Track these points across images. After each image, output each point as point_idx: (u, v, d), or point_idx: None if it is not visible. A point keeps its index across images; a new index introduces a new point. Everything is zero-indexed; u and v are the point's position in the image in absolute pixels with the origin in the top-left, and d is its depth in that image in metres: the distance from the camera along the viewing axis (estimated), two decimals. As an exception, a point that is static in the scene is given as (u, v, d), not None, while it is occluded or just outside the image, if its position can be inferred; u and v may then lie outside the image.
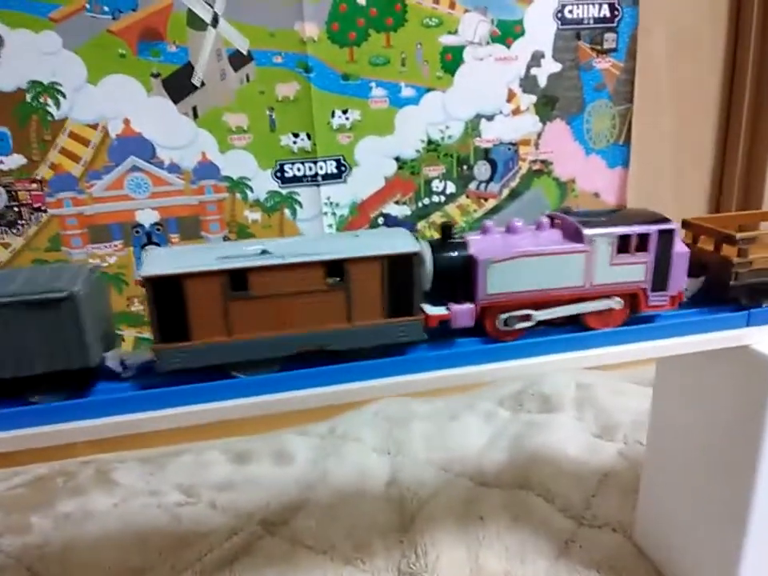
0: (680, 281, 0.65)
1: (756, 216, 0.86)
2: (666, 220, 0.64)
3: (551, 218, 0.66)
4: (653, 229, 0.62)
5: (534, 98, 1.25)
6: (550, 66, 1.24)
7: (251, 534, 0.88)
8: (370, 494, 0.97)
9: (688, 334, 0.66)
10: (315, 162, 1.17)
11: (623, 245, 0.62)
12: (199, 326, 0.55)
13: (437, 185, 1.25)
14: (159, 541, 0.88)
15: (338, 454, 1.07)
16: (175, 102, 1.08)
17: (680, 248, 0.64)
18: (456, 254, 0.61)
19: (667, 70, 1.30)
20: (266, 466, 1.06)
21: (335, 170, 1.19)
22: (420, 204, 1.26)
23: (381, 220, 1.24)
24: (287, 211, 1.19)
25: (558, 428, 1.12)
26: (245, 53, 1.09)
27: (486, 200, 1.30)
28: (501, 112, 1.24)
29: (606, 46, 1.26)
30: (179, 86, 1.08)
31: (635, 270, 0.63)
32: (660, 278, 0.64)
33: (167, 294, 0.54)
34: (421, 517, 0.91)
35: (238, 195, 1.15)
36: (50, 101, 1.04)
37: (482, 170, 1.27)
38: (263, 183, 1.16)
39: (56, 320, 0.53)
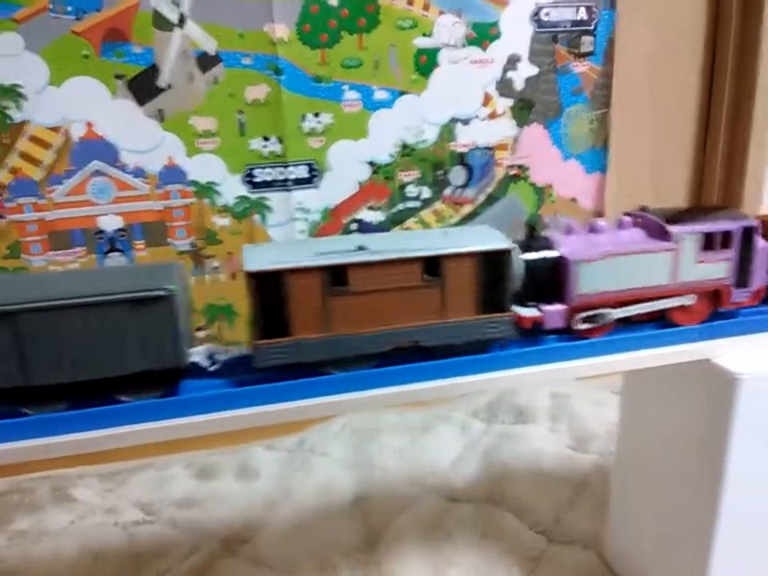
0: (762, 276, 0.66)
1: None
2: (746, 217, 0.65)
3: (631, 216, 0.66)
4: (736, 226, 0.63)
5: (510, 102, 1.23)
6: (526, 70, 1.22)
7: (210, 554, 0.85)
8: (335, 511, 0.94)
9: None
10: (286, 167, 1.14)
11: (708, 242, 0.63)
12: (299, 322, 0.55)
13: (411, 190, 1.23)
14: (115, 560, 0.85)
15: (304, 468, 1.05)
16: (140, 104, 1.05)
17: (761, 244, 0.65)
18: (546, 254, 0.61)
19: (645, 74, 1.28)
20: (229, 482, 1.03)
21: (307, 175, 1.16)
22: (395, 209, 1.23)
23: (354, 226, 1.22)
24: (257, 217, 1.16)
25: (532, 440, 1.10)
26: (213, 54, 1.06)
27: (461, 205, 1.27)
28: (477, 116, 1.22)
29: (583, 49, 1.24)
30: (144, 88, 1.05)
31: (719, 267, 0.64)
32: (742, 275, 0.65)
33: (270, 290, 0.54)
34: (387, 535, 0.89)
35: (206, 200, 1.12)
36: (10, 103, 1.01)
37: (457, 174, 1.25)
38: (232, 188, 1.13)
39: (154, 318, 0.52)
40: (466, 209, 1.28)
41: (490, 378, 0.60)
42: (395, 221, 1.24)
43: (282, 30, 1.07)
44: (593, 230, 0.65)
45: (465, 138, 1.23)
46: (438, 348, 0.59)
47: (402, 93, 1.16)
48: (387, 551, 0.85)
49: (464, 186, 1.26)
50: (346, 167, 1.18)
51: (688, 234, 0.62)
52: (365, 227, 1.22)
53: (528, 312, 0.61)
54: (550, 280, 0.61)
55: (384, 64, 1.14)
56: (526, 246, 0.61)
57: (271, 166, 1.13)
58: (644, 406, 0.76)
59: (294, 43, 1.08)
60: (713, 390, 0.63)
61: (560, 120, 1.27)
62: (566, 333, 0.63)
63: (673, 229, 0.62)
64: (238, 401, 0.55)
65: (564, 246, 0.62)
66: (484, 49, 1.18)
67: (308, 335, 0.56)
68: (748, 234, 0.64)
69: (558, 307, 0.61)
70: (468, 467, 1.04)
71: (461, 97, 1.20)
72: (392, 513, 0.93)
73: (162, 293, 0.52)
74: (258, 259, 0.55)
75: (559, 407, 1.19)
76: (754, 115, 1.28)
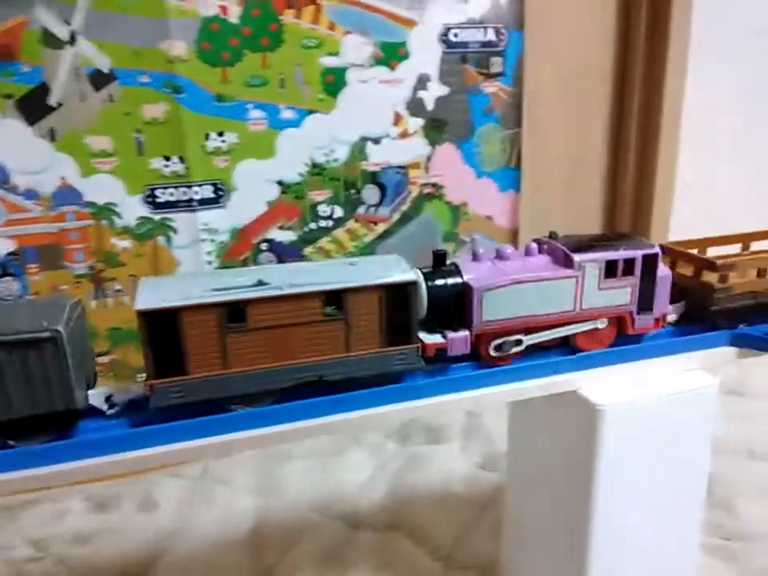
0: (664, 303, 0.67)
1: (733, 238, 0.84)
2: (649, 245, 0.66)
3: (538, 243, 0.68)
4: (638, 253, 0.65)
5: (421, 122, 1.23)
6: (436, 90, 1.22)
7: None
8: (232, 542, 0.92)
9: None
10: (190, 187, 1.11)
11: (611, 269, 0.64)
12: (195, 360, 0.54)
13: (323, 209, 1.22)
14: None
15: (206, 498, 1.02)
16: (30, 123, 1.01)
17: (663, 271, 0.67)
18: (450, 281, 0.62)
19: (555, 95, 1.30)
20: (128, 514, 0.99)
21: (212, 195, 1.13)
22: (306, 229, 1.22)
23: (264, 246, 1.20)
24: (161, 238, 1.13)
25: (442, 460, 1.09)
26: (107, 72, 1.03)
27: (375, 224, 1.26)
28: (388, 135, 1.21)
29: (492, 69, 1.25)
30: (34, 107, 1.01)
31: (622, 294, 0.65)
32: (645, 301, 0.66)
33: (163, 328, 0.53)
34: (279, 569, 0.86)
35: (104, 222, 1.08)
36: None
37: (370, 193, 1.24)
38: (132, 209, 1.10)
39: (40, 361, 0.50)
40: (381, 227, 1.27)
41: (396, 410, 0.60)
42: (307, 240, 1.22)
43: (179, 48, 1.04)
44: (500, 256, 0.65)
45: (377, 157, 1.22)
46: (343, 382, 0.59)
47: (310, 111, 1.15)
48: (275, 587, 0.83)
49: (377, 205, 1.25)
50: (254, 187, 1.15)
51: (590, 261, 0.63)
52: (275, 248, 1.20)
53: (432, 339, 0.61)
54: (455, 307, 0.62)
55: (290, 83, 1.13)
56: (434, 274, 0.62)
57: (174, 186, 1.10)
58: (527, 431, 0.76)
59: (192, 61, 1.06)
60: (580, 419, 0.63)
61: (472, 139, 1.28)
62: (475, 360, 0.64)
63: (576, 257, 0.63)
64: (134, 441, 0.54)
65: (469, 273, 0.62)
66: (392, 68, 1.18)
67: (205, 373, 0.55)
68: (650, 261, 0.65)
69: (461, 334, 0.61)
70: (375, 492, 1.03)
71: (370, 116, 1.19)
72: (288, 544, 0.91)
73: (46, 334, 0.50)
74: (151, 295, 0.53)
75: (472, 425, 1.19)
76: (661, 140, 1.31)
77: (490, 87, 1.26)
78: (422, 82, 1.21)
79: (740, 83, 1.45)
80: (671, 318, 0.73)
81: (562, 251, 0.65)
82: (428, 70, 1.20)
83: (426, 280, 0.62)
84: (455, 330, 0.62)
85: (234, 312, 0.54)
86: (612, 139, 1.37)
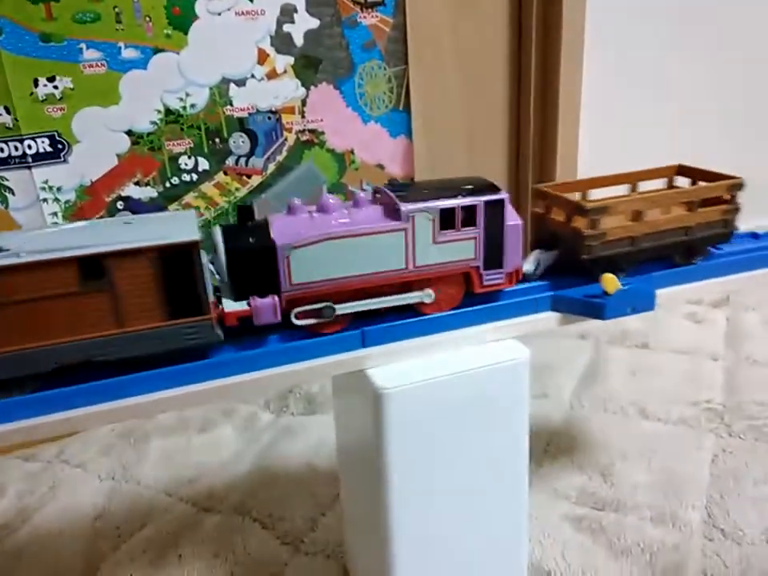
0: (516, 256, 0.59)
1: (619, 178, 0.75)
2: (495, 189, 0.57)
3: (375, 192, 0.59)
4: (480, 200, 0.55)
5: (290, 59, 1.10)
6: (305, 22, 1.09)
7: None
8: (72, 531, 0.83)
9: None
10: (21, 141, 0.99)
11: (447, 220, 0.55)
12: None
13: (185, 161, 1.10)
14: None
15: (55, 482, 0.93)
16: None
17: (513, 220, 0.57)
18: (252, 239, 0.53)
19: (446, 27, 1.18)
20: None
21: (49, 149, 1.01)
22: (168, 184, 1.10)
23: (120, 204, 1.08)
24: (-5, 199, 1.01)
25: (314, 433, 1.01)
26: None
27: (249, 177, 1.15)
28: (253, 75, 1.09)
29: (369, -2, 1.12)
30: None
31: (463, 248, 0.56)
32: (493, 255, 0.58)
33: None
34: (111, 559, 0.78)
35: None
36: None
37: (238, 142, 1.12)
38: (-42, 167, 0.98)
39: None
40: (255, 180, 1.15)
41: (186, 393, 0.52)
42: (170, 197, 1.10)
43: (-13, -21, 0.91)
44: (321, 208, 0.56)
45: (242, 101, 1.10)
46: (123, 362, 0.51)
47: (156, 50, 1.02)
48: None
49: (249, 155, 1.14)
50: (99, 138, 1.03)
51: (420, 210, 0.54)
52: (133, 206, 1.09)
53: (235, 306, 0.53)
54: (260, 269, 0.53)
55: (128, 17, 0.99)
56: (237, 231, 0.54)
57: (3, 141, 0.98)
58: (342, 411, 0.67)
59: (6, -5, 0.92)
60: (368, 402, 0.53)
61: (353, 79, 1.15)
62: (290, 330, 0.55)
63: (403, 206, 0.54)
64: None
65: (276, 230, 0.53)
66: (251, -1, 1.05)
67: None
68: (496, 208, 0.56)
69: (268, 300, 0.53)
70: (235, 470, 0.94)
71: (230, 54, 1.06)
72: (128, 532, 0.83)
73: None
74: None
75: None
76: (562, 69, 1.19)
77: (368, 19, 1.13)
78: (287, 13, 1.08)
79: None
80: (540, 269, 0.64)
81: (391, 201, 0.55)
82: (293, 0, 1.07)
83: (226, 239, 0.53)
84: (263, 295, 0.53)
85: None
86: (512, 71, 1.25)
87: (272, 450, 0.98)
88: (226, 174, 1.13)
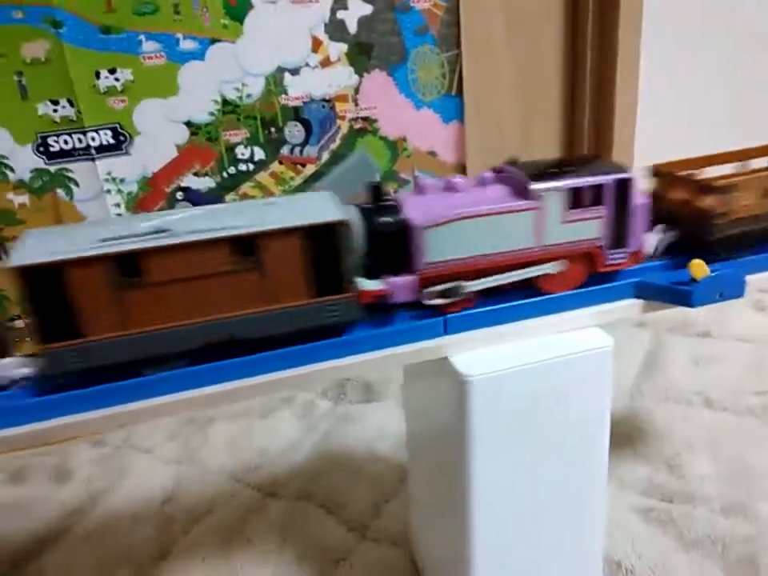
0: (640, 236, 0.58)
1: (730, 155, 0.72)
2: (621, 169, 0.56)
3: (497, 171, 0.58)
4: (608, 179, 0.55)
5: (344, 47, 1.10)
6: (358, 8, 1.08)
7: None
8: (142, 515, 0.86)
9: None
10: (85, 133, 1.01)
11: (576, 199, 0.55)
12: (88, 321, 0.48)
13: (242, 151, 1.11)
14: None
15: (123, 467, 0.96)
16: None
17: (639, 199, 0.57)
18: (389, 219, 0.53)
19: (499, 10, 1.15)
20: (40, 486, 0.94)
21: (112, 141, 1.03)
22: (225, 174, 1.11)
23: (180, 195, 1.10)
24: (61, 191, 1.03)
25: (373, 421, 1.01)
26: (-28, 7, 0.91)
27: (303, 165, 1.15)
28: (307, 64, 1.09)
29: (422, -18, 1.10)
30: None
31: (590, 227, 0.56)
32: (618, 234, 0.57)
33: (45, 286, 0.46)
34: (183, 543, 0.81)
35: (-6, 176, 0.99)
36: None
37: (293, 131, 1.12)
38: (25, 161, 1.00)
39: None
40: (310, 169, 1.16)
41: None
42: (227, 186, 1.12)
43: (52, -25, 0.92)
44: (449, 188, 0.56)
45: (297, 90, 1.10)
46: (268, 339, 0.51)
47: (213, 41, 1.03)
48: (178, 563, 0.77)
49: (303, 144, 1.14)
50: (159, 129, 1.05)
51: (551, 190, 0.54)
52: (193, 196, 1.10)
53: (372, 285, 0.53)
54: (396, 248, 0.53)
55: (186, 8, 1.00)
56: (370, 210, 0.53)
57: (67, 133, 1.00)
58: (416, 398, 0.67)
59: (68, -11, 0.93)
60: (452, 389, 0.53)
61: (406, 65, 1.14)
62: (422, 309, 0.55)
63: (534, 185, 0.54)
64: (31, 414, 0.48)
65: (410, 209, 0.53)
66: (305, -14, 1.04)
67: (101, 335, 0.48)
68: (623, 188, 0.55)
69: (404, 279, 0.53)
70: (296, 457, 0.96)
71: (284, 43, 1.06)
72: (197, 516, 0.85)
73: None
74: (31, 250, 0.46)
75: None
76: (620, 55, 1.16)
77: (421, 3, 1.11)
78: (340, 0, 1.07)
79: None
80: (659, 250, 0.63)
81: (519, 180, 0.55)
82: (347, -14, 1.07)
83: (364, 218, 0.53)
84: (399, 274, 0.53)
85: (128, 265, 0.47)
86: (567, 56, 1.22)
87: (331, 438, 0.99)
88: (281, 163, 1.14)
